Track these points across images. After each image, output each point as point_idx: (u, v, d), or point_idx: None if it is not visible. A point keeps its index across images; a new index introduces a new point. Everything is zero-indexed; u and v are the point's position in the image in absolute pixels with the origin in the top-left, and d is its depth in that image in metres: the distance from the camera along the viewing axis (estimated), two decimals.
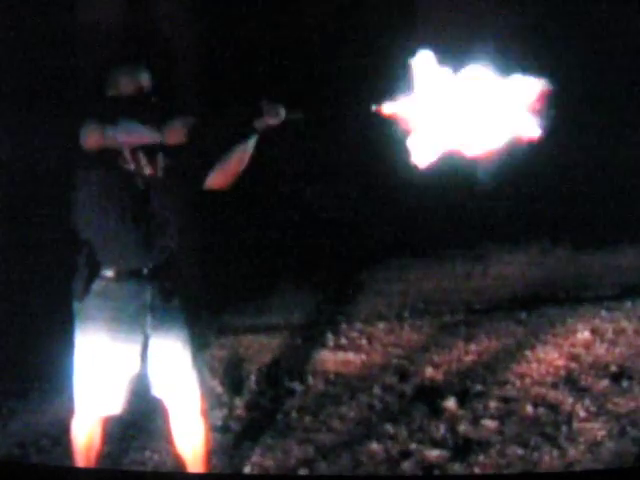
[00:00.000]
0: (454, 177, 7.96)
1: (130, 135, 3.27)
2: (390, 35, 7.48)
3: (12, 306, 4.91)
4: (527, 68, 3.18)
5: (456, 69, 3.16)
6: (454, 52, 3.20)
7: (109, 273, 3.36)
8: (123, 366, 3.40)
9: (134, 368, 3.42)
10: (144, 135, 3.28)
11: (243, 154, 3.41)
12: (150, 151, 3.36)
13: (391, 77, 3.26)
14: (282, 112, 3.29)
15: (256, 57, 6.97)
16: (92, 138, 3.27)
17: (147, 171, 3.37)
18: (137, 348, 3.41)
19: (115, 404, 3.45)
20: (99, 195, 3.33)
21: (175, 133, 3.29)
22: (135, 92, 3.37)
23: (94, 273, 3.36)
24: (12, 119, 5.05)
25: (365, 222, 7.47)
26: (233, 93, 5.53)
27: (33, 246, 5.12)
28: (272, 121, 3.30)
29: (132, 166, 3.35)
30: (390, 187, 7.77)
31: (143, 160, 3.36)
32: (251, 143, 3.38)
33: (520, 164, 7.97)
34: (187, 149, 3.37)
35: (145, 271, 3.38)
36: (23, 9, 5.13)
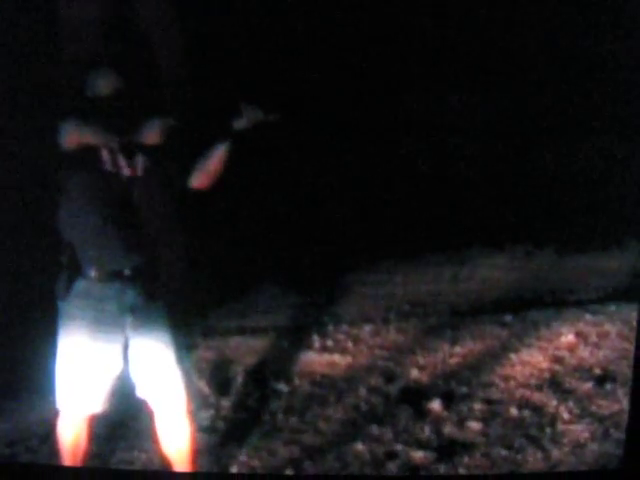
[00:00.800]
0: (439, 181, 8.03)
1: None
2: None
3: None
4: None
5: None
6: None
7: (91, 273, 3.38)
8: (104, 365, 3.43)
9: (115, 367, 3.46)
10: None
11: (222, 154, 3.44)
12: (129, 152, 3.38)
13: None
14: (260, 113, 3.37)
15: (237, 59, 6.98)
16: (68, 137, 3.29)
17: (126, 172, 3.39)
18: (118, 348, 3.44)
19: (97, 402, 3.49)
20: (80, 196, 3.35)
21: (152, 134, 3.32)
22: (113, 93, 3.38)
23: (76, 273, 3.39)
24: None
25: (351, 224, 7.50)
26: (213, 94, 5.54)
27: (18, 247, 5.11)
28: (250, 122, 3.37)
29: (111, 167, 3.37)
30: (377, 189, 7.80)
31: (122, 161, 3.38)
32: (230, 144, 3.43)
33: (504, 168, 8.05)
34: (167, 149, 3.40)
35: (127, 272, 3.41)
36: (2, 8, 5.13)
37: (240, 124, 3.40)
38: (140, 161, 3.42)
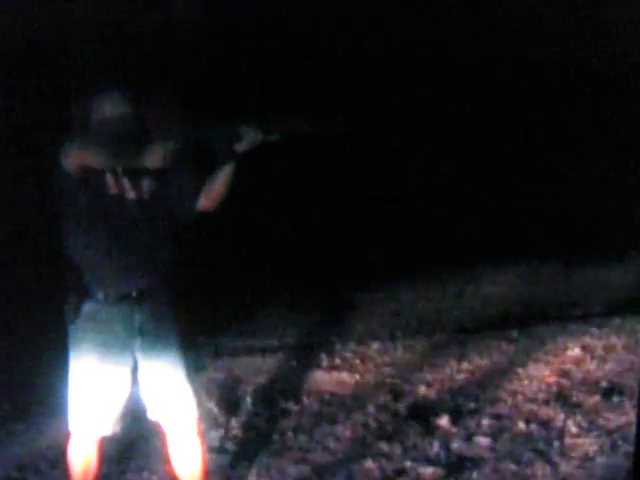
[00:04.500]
0: (444, 199, 8.07)
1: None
2: None
3: (10, 329, 4.94)
4: None
5: None
6: None
7: (99, 296, 3.40)
8: (113, 387, 3.44)
9: (125, 390, 3.46)
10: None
11: (225, 177, 3.47)
12: (134, 175, 3.41)
13: None
14: (260, 135, 3.40)
15: (240, 81, 7.03)
16: (72, 161, 3.32)
17: (131, 195, 3.41)
18: (127, 370, 3.44)
19: (107, 425, 3.49)
20: (86, 219, 3.36)
21: (153, 157, 3.35)
22: (118, 116, 3.41)
23: (84, 296, 3.41)
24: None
25: (358, 244, 7.53)
26: (215, 116, 5.57)
27: (30, 269, 5.16)
28: (250, 143, 3.40)
29: (115, 190, 3.39)
30: (382, 209, 7.84)
31: (127, 184, 3.40)
32: (232, 166, 3.46)
33: (508, 186, 8.08)
34: (171, 172, 3.43)
35: (134, 294, 3.42)
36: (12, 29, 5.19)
37: (241, 146, 3.43)
38: (144, 184, 3.45)
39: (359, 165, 7.98)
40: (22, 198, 5.24)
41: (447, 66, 7.97)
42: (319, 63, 7.50)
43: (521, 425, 4.64)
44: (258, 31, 7.19)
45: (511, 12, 7.82)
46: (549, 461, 4.25)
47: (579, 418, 4.67)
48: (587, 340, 5.80)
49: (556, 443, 4.42)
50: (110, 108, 3.42)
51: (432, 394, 5.14)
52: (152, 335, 3.45)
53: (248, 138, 3.42)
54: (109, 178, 3.38)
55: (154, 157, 3.36)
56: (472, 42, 7.96)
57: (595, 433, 4.51)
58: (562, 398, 4.95)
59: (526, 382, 5.21)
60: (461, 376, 5.39)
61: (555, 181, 8.25)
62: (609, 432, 4.51)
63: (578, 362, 5.46)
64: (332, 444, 4.55)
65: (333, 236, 7.53)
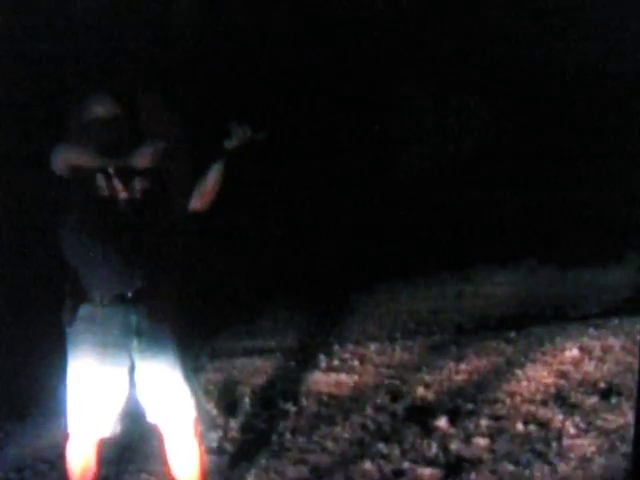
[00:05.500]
0: (443, 199, 8.07)
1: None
2: None
3: (8, 330, 4.94)
4: None
5: None
6: None
7: (95, 297, 3.40)
8: (111, 389, 3.44)
9: (123, 391, 3.47)
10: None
11: (216, 175, 3.48)
12: (125, 176, 3.40)
13: None
14: (249, 132, 3.41)
15: (230, 81, 7.04)
16: (63, 162, 3.32)
17: (123, 196, 3.41)
18: (124, 372, 3.45)
19: (106, 427, 3.49)
20: (79, 221, 3.37)
21: (144, 157, 3.35)
22: (108, 117, 3.41)
23: (81, 298, 3.41)
24: None
25: (355, 245, 7.54)
26: (205, 115, 5.58)
27: (27, 271, 5.15)
28: (240, 141, 3.41)
29: (108, 191, 3.39)
30: (380, 209, 7.85)
31: (118, 185, 3.40)
32: (222, 164, 3.46)
33: (507, 187, 8.09)
34: (164, 172, 3.43)
35: (129, 295, 3.42)
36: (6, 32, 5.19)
37: (230, 144, 3.44)
38: (137, 184, 3.44)
39: (357, 166, 7.98)
40: (17, 201, 5.23)
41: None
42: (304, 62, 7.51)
43: (519, 426, 4.64)
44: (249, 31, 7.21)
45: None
46: (547, 462, 4.26)
47: (577, 419, 4.68)
48: (585, 341, 5.80)
49: (554, 444, 4.42)
50: (100, 108, 3.42)
51: (430, 395, 5.14)
52: (149, 336, 3.45)
53: (238, 136, 3.43)
54: (101, 179, 3.38)
55: (145, 157, 3.36)
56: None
57: (593, 434, 4.51)
58: (560, 399, 4.95)
59: (524, 383, 5.21)
60: (459, 377, 5.39)
61: (553, 182, 8.26)
62: (607, 433, 4.51)
63: (576, 363, 5.45)
64: (330, 445, 4.56)
65: (331, 237, 7.53)
